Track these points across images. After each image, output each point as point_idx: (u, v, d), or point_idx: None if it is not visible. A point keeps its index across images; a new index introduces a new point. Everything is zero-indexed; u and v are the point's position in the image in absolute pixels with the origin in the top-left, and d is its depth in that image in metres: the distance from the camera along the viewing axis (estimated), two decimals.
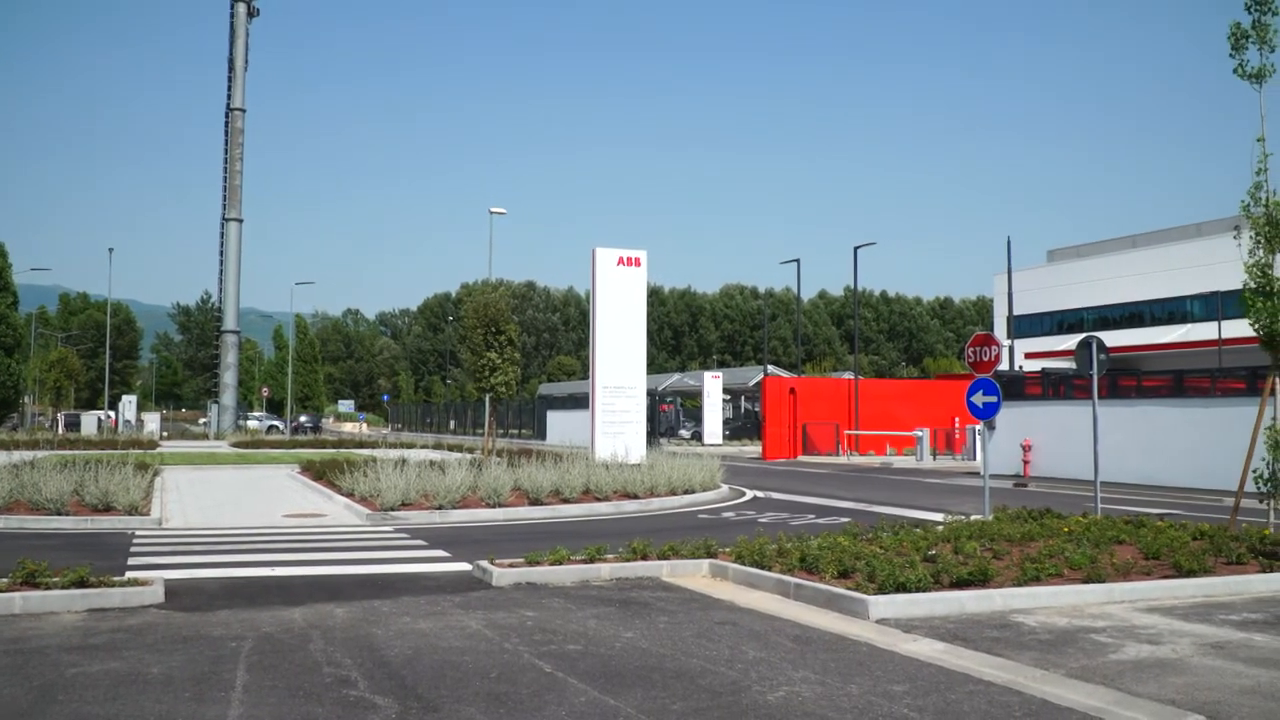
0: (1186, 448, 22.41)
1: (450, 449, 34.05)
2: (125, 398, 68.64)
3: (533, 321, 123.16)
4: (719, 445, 48.51)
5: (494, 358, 22.55)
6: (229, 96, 63.18)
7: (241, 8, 63.43)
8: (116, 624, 8.24)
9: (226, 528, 14.97)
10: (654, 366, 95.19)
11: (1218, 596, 9.55)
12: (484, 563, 10.72)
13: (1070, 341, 42.40)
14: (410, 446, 39.11)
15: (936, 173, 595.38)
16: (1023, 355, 52.08)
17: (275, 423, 71.28)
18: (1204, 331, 47.80)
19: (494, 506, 16.65)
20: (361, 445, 41.44)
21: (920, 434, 35.76)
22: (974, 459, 32.40)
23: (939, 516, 15.23)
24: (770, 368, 57.11)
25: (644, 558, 10.91)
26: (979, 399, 14.80)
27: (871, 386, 44.84)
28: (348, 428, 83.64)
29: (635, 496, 18.47)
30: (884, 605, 8.56)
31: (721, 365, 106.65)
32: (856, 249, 43.50)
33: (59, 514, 15.20)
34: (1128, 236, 59.87)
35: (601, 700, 6.14)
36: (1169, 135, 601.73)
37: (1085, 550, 10.50)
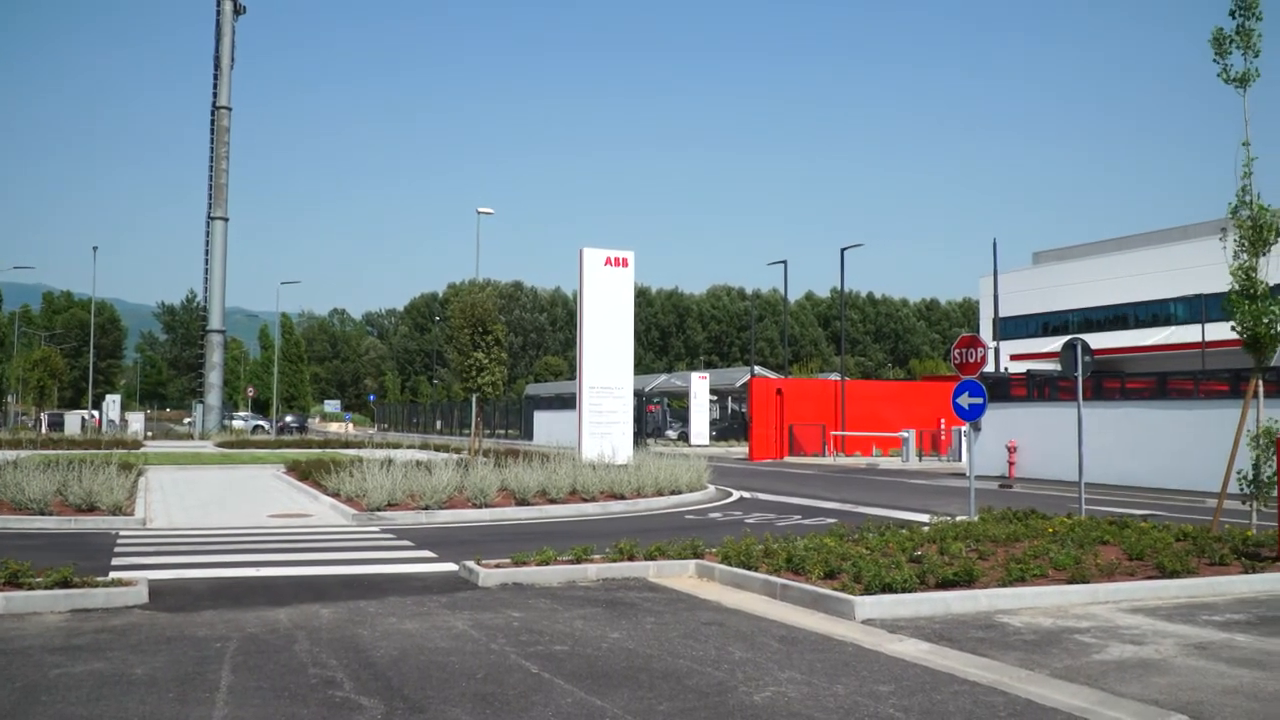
0: (1170, 449, 22.54)
1: (437, 449, 33.99)
2: (109, 397, 68.24)
3: (520, 322, 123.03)
4: (706, 446, 48.54)
5: (481, 358, 22.53)
6: (215, 95, 62.93)
7: (228, 5, 63.16)
8: (100, 624, 8.20)
9: (211, 528, 14.90)
10: (641, 367, 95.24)
11: (1201, 597, 9.61)
12: (470, 563, 10.70)
13: (1055, 343, 42.57)
14: (396, 447, 39.01)
15: (923, 174, 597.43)
16: (1008, 357, 52.32)
17: (261, 423, 70.96)
18: (1188, 334, 48.13)
19: (481, 507, 16.63)
20: (347, 445, 41.32)
21: (906, 435, 35.88)
22: (959, 460, 32.52)
23: (924, 517, 15.28)
24: (757, 369, 57.18)
25: (631, 558, 10.91)
26: (964, 400, 14.86)
27: (858, 388, 44.99)
28: (334, 428, 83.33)
29: (622, 497, 18.47)
30: (870, 606, 8.58)
31: (708, 366, 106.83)
32: (843, 250, 43.64)
33: (42, 514, 15.12)
34: (1112, 239, 60.24)
35: (588, 701, 6.14)
36: (1156, 138, 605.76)
37: (1070, 551, 10.56)
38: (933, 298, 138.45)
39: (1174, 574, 9.92)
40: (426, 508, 16.19)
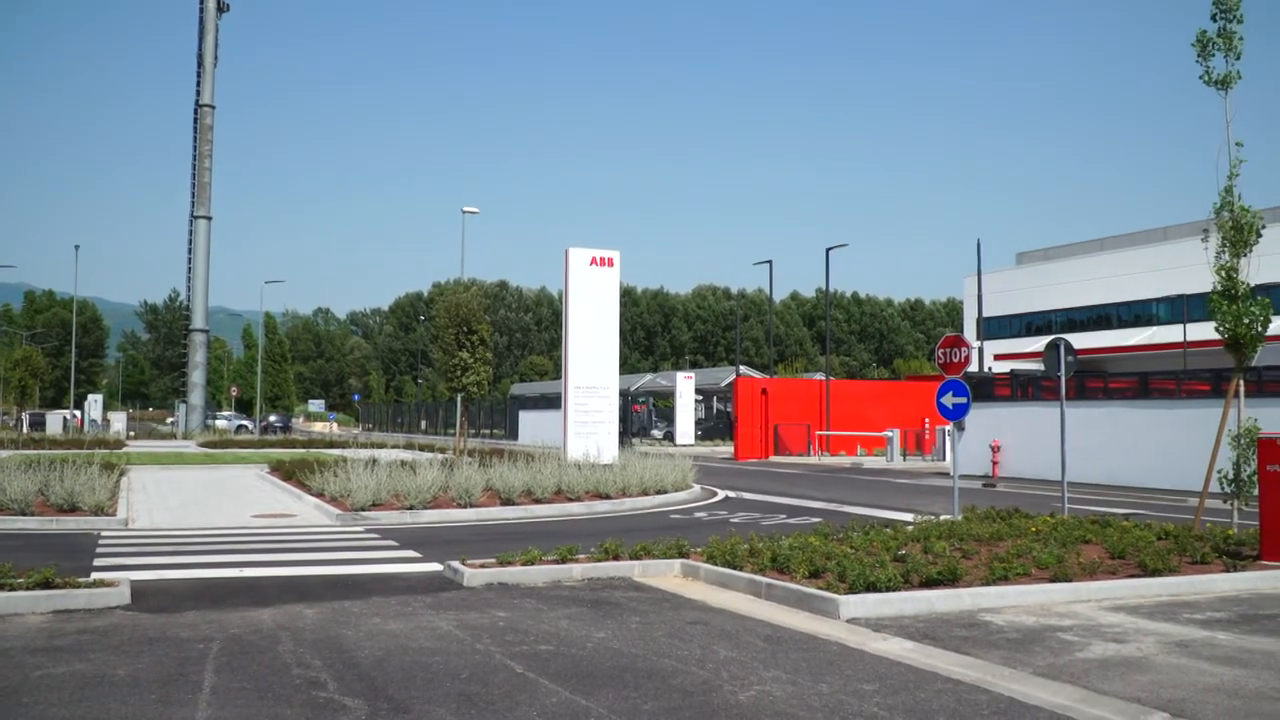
0: (1152, 449, 22.68)
1: (422, 449, 33.91)
2: (91, 397, 67.78)
3: (505, 321, 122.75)
4: (691, 445, 48.59)
5: (466, 357, 22.47)
6: (198, 93, 62.55)
7: (211, 3, 62.77)
8: (82, 625, 8.15)
9: (194, 528, 14.82)
10: (626, 367, 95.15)
11: (1182, 595, 9.68)
12: (455, 563, 10.68)
13: (1039, 343, 42.80)
14: (381, 446, 38.90)
15: (908, 175, 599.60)
16: (992, 357, 52.56)
17: (244, 422, 70.63)
18: (1170, 334, 48.46)
19: (466, 507, 16.59)
20: (332, 445, 41.19)
21: (890, 435, 35.99)
22: (944, 459, 32.64)
23: (909, 516, 15.33)
24: (742, 368, 57.25)
25: (616, 558, 10.91)
26: (949, 400, 14.91)
27: (842, 387, 45.09)
28: (318, 427, 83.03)
29: (607, 497, 18.46)
30: (854, 605, 8.61)
31: (694, 366, 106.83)
32: (829, 250, 43.74)
33: (23, 514, 15.01)
34: (1095, 240, 60.58)
35: (573, 700, 6.14)
36: (1140, 139, 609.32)
37: (1052, 550, 10.61)
38: (917, 298, 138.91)
39: (1156, 573, 9.98)
40: (411, 508, 16.14)
